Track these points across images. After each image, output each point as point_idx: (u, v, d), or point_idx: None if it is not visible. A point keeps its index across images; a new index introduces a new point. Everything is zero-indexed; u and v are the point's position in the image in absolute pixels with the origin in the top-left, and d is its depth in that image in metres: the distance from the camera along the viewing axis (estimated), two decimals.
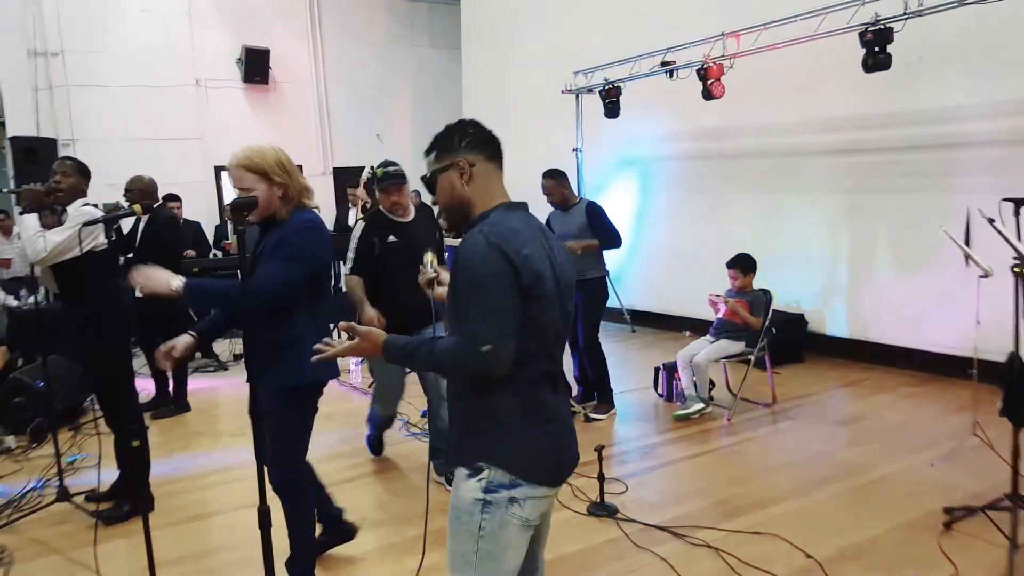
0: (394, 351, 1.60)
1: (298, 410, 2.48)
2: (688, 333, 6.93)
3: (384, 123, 10.72)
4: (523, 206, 1.66)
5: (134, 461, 3.35)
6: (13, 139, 7.50)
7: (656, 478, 3.78)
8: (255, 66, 9.68)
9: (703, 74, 5.91)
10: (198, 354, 6.29)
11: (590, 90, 7.50)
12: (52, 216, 3.92)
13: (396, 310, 3.39)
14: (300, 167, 9.86)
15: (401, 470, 4.02)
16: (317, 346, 1.70)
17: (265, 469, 2.05)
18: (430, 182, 1.67)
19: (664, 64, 6.47)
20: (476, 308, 1.45)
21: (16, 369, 5.51)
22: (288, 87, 10.07)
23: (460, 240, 1.56)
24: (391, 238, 3.52)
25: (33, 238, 3.35)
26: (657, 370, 5.16)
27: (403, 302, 3.07)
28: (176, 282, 2.25)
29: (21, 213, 3.55)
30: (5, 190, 4.24)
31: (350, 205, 7.66)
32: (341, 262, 7.32)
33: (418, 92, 11.18)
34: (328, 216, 8.71)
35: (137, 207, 3.08)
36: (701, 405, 4.66)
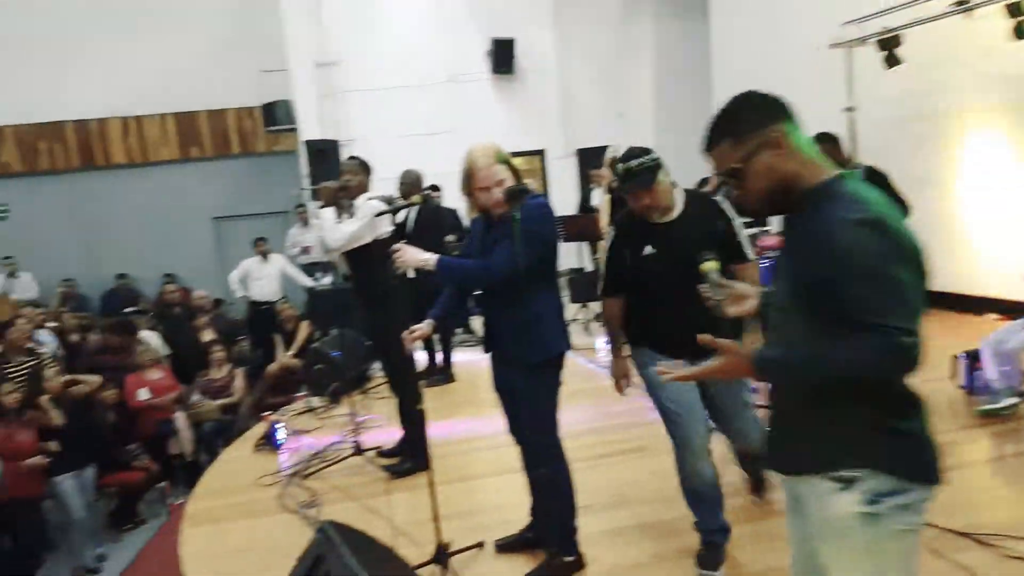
0: (770, 366, 1.40)
1: (544, 381, 2.68)
2: (996, 316, 6.03)
3: (625, 100, 10.73)
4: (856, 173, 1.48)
5: (415, 423, 3.84)
6: (308, 143, 8.89)
7: (955, 479, 3.40)
8: (502, 57, 10.24)
9: (1017, 7, 5.05)
10: (459, 330, 6.97)
11: (863, 41, 6.80)
12: (343, 209, 4.61)
13: (659, 340, 2.62)
14: (542, 151, 10.48)
15: (653, 450, 4.06)
16: (658, 369, 1.55)
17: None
18: (738, 174, 1.45)
19: (959, 3, 5.66)
20: (878, 298, 1.27)
21: (315, 341, 6.60)
22: (531, 73, 10.51)
23: (804, 227, 1.38)
24: (647, 249, 2.58)
25: (331, 229, 3.99)
26: (956, 358, 4.59)
27: (667, 330, 2.55)
28: (429, 260, 2.61)
29: (320, 207, 4.22)
30: (307, 188, 5.02)
31: (593, 186, 7.84)
32: (586, 243, 7.64)
33: (660, 65, 11.00)
34: (572, 198, 9.04)
35: (417, 197, 3.52)
36: (1015, 400, 4.05)
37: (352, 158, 4.14)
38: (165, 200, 11.06)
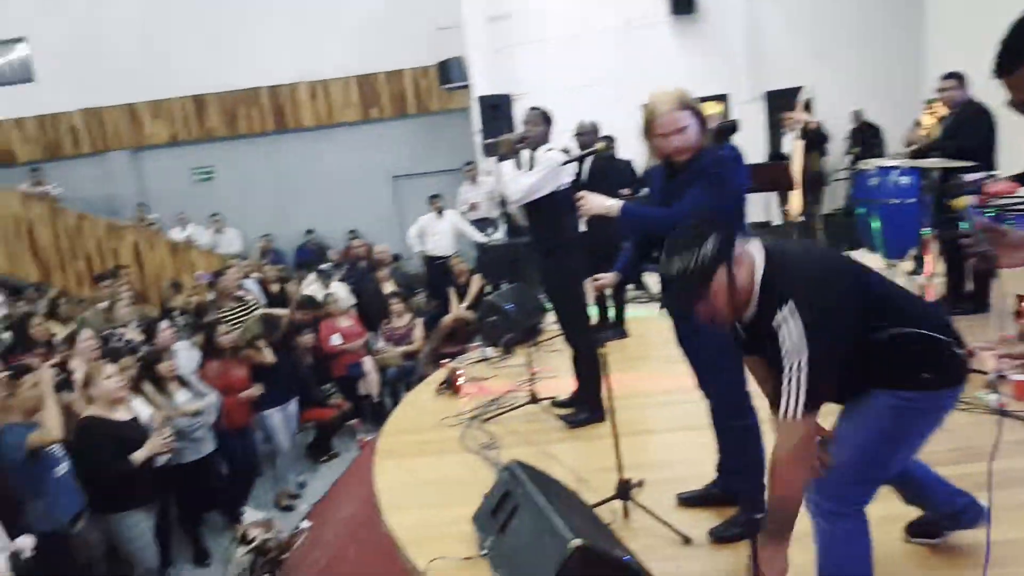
0: None
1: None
2: None
3: (822, 37, 9.91)
4: None
5: (590, 375, 3.93)
6: (481, 98, 9.17)
7: None
8: None
9: None
10: (631, 286, 6.95)
11: None
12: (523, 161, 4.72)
13: None
14: (724, 96, 10.00)
15: None
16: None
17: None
18: None
19: None
20: None
21: (487, 294, 6.89)
22: (714, 13, 10.01)
23: None
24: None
25: (511, 181, 4.10)
26: None
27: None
28: (613, 205, 2.61)
29: (498, 161, 4.35)
30: (487, 141, 5.18)
31: (784, 130, 7.40)
32: (775, 194, 7.25)
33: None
34: (760, 144, 8.60)
35: (600, 145, 3.54)
36: None
37: (534, 109, 4.20)
38: (348, 160, 11.91)
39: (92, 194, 11.64)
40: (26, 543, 3.29)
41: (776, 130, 8.50)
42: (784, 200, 6.89)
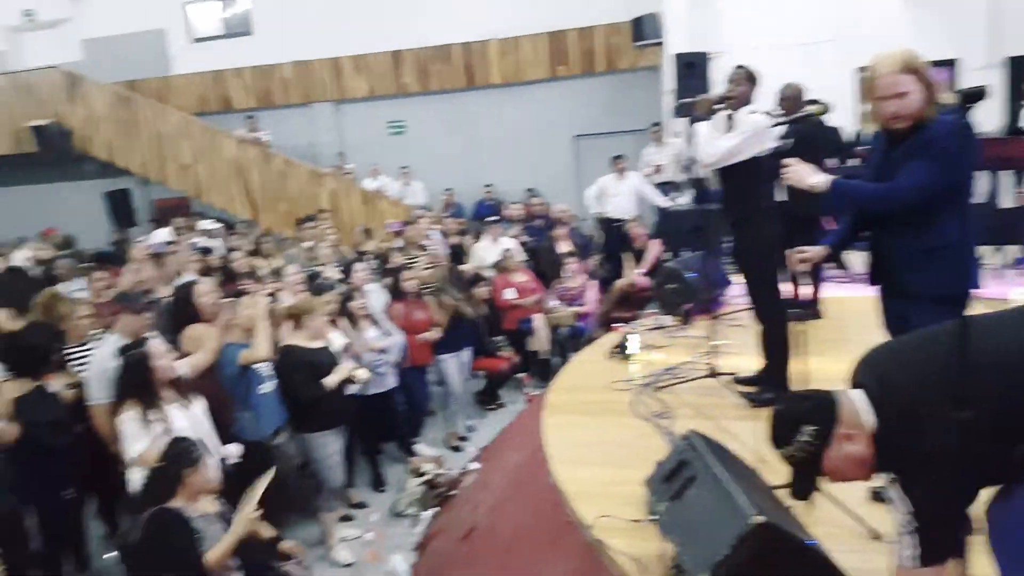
0: None
1: (941, 319, 2.39)
2: None
3: None
4: None
5: (779, 353, 3.77)
6: (678, 55, 8.88)
7: None
8: None
9: None
10: (828, 264, 6.52)
11: None
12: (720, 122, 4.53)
13: None
14: (952, 61, 8.97)
15: None
16: None
17: None
18: None
19: None
20: None
21: (665, 260, 6.77)
22: None
23: None
24: None
25: (707, 143, 3.97)
26: None
27: None
28: (822, 180, 2.45)
29: (691, 122, 4.21)
30: (683, 101, 5.01)
31: None
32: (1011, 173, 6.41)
33: None
34: (995, 115, 7.66)
35: (816, 108, 3.33)
36: None
37: (740, 67, 4.00)
38: (531, 118, 12.08)
39: (297, 142, 12.72)
40: (234, 450, 3.74)
41: (1016, 101, 7.52)
42: (1021, 180, 6.12)
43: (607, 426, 3.95)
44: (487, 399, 6.64)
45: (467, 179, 12.17)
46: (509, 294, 6.87)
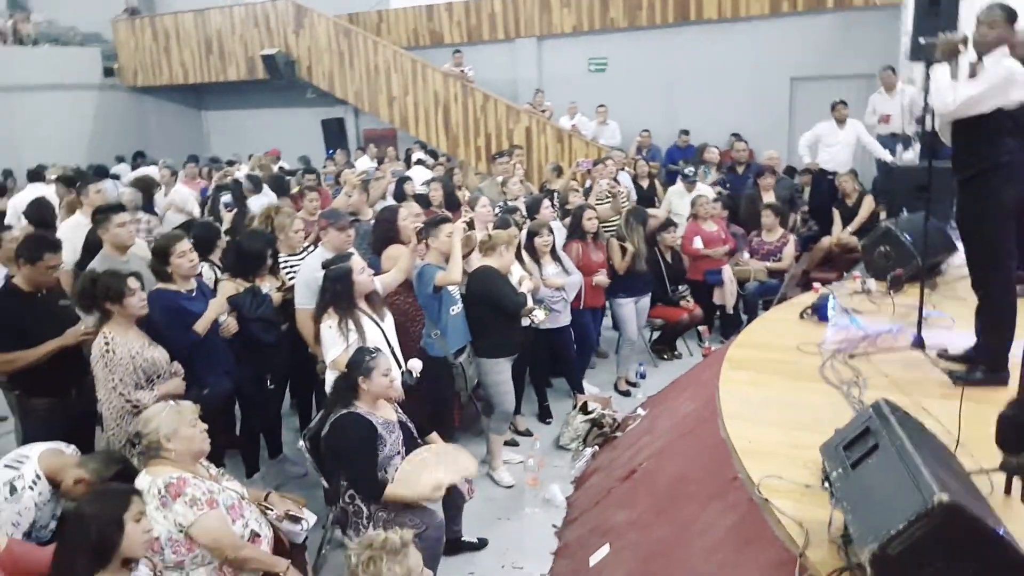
0: None
1: None
2: None
3: None
4: None
5: (1000, 330, 3.41)
6: None
7: None
8: None
9: None
10: None
11: None
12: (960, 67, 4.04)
13: None
14: None
15: None
16: None
17: None
18: None
19: None
20: None
21: (879, 220, 6.24)
22: None
23: None
24: None
25: (945, 89, 3.56)
26: None
27: None
28: None
29: (932, 64, 3.77)
30: (926, 41, 4.39)
31: None
32: None
33: None
34: None
35: None
36: None
37: (996, 6, 3.52)
38: (745, 58, 11.40)
39: (498, 77, 13.02)
40: (417, 365, 4.07)
41: None
42: None
43: (788, 387, 3.82)
44: (664, 348, 6.61)
45: (665, 121, 11.83)
46: (697, 243, 6.71)
